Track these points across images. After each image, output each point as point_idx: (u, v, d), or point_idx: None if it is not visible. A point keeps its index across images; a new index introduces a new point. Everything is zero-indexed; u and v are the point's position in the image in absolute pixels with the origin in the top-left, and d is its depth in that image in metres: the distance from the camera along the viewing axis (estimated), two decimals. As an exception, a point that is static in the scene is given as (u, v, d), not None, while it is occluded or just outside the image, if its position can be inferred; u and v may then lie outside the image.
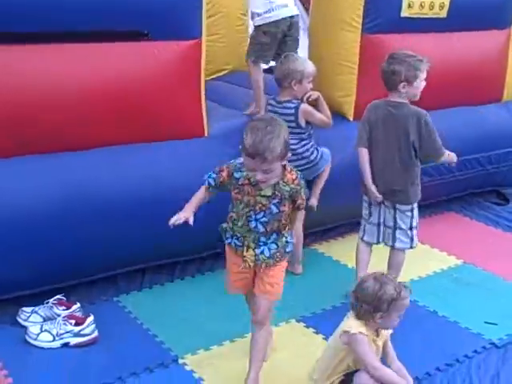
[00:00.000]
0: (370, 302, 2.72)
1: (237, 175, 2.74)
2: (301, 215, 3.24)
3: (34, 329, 3.27)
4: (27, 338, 3.24)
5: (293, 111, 3.79)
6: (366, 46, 4.25)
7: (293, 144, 3.79)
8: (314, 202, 3.96)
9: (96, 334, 3.30)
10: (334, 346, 2.83)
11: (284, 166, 2.69)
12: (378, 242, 3.76)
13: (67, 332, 3.25)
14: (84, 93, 3.48)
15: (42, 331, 3.25)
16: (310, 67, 3.83)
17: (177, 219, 2.74)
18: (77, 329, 3.26)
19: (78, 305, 3.47)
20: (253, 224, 2.76)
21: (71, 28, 3.39)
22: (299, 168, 3.84)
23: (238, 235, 2.82)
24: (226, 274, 2.98)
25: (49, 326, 3.27)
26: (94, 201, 3.50)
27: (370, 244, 3.78)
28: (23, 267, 3.40)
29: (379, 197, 3.61)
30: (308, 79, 3.82)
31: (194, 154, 3.84)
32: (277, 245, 2.81)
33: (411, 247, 3.70)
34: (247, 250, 2.81)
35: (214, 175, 2.82)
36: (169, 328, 3.42)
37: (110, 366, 3.08)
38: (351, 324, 2.75)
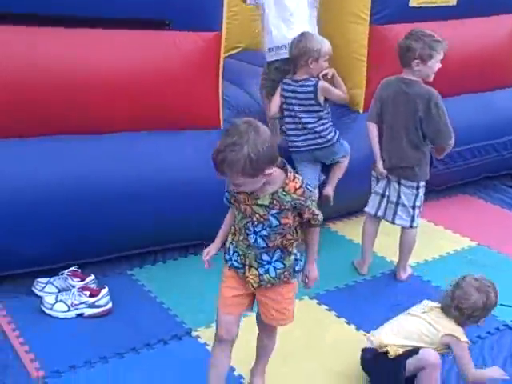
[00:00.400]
0: (480, 314, 2.84)
1: None
2: (316, 234, 2.58)
3: (49, 299, 3.29)
4: (42, 307, 3.27)
5: (311, 89, 3.78)
6: (374, 38, 4.18)
7: (311, 123, 3.82)
8: (329, 191, 3.96)
9: (110, 305, 3.33)
10: (427, 338, 2.81)
11: (286, 172, 2.39)
12: (376, 215, 3.75)
13: (82, 303, 3.28)
14: (103, 78, 3.48)
15: (57, 301, 3.28)
16: (326, 46, 3.82)
17: (205, 260, 2.59)
18: (91, 300, 3.29)
19: (93, 277, 3.49)
20: (252, 238, 2.44)
21: (95, 14, 3.38)
22: (316, 147, 3.87)
23: (240, 252, 2.51)
24: (220, 289, 2.62)
25: (64, 296, 3.29)
26: (109, 185, 3.52)
27: (373, 217, 3.78)
28: (39, 244, 3.41)
29: (383, 172, 3.62)
30: (324, 58, 3.81)
31: (209, 146, 3.82)
32: (283, 264, 2.50)
33: (411, 226, 3.69)
34: (249, 270, 2.50)
35: (226, 189, 2.53)
36: (182, 301, 3.44)
37: (124, 337, 3.11)
38: (455, 329, 2.82)
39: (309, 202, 2.40)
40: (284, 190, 2.36)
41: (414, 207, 3.65)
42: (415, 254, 3.83)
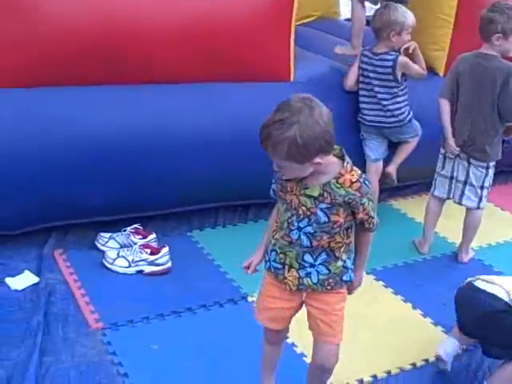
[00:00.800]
0: None
1: None
2: (369, 240, 2.29)
3: (111, 253, 3.37)
4: (104, 261, 3.35)
5: (391, 63, 3.69)
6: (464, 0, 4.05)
7: (386, 99, 3.76)
8: (391, 169, 3.89)
9: (169, 264, 3.38)
10: None
11: (343, 161, 2.11)
12: (448, 197, 3.68)
13: (142, 260, 3.34)
14: (174, 27, 3.47)
15: (118, 256, 3.34)
16: (410, 19, 3.70)
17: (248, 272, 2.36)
18: (152, 258, 3.34)
19: (154, 235, 3.55)
20: (295, 234, 2.15)
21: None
22: (386, 125, 3.81)
23: (278, 251, 2.23)
24: (259, 297, 2.41)
25: (125, 252, 3.36)
26: (175, 135, 3.53)
27: (440, 199, 3.71)
28: (101, 194, 3.47)
29: (456, 150, 3.52)
30: (407, 31, 3.70)
31: (278, 98, 3.79)
32: (328, 269, 2.20)
33: (478, 207, 3.60)
34: (289, 271, 2.22)
35: (274, 178, 2.24)
36: (240, 267, 3.45)
37: (181, 297, 3.16)
38: None
39: (365, 200, 2.10)
40: (338, 182, 2.08)
41: (482, 187, 3.56)
42: (478, 238, 3.75)
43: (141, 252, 3.35)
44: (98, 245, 3.51)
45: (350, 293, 2.37)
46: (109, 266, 3.33)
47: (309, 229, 2.13)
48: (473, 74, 3.44)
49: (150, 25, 3.42)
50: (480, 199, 3.59)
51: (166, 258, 3.37)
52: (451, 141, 3.52)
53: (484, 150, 3.49)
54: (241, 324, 3.00)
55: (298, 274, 2.21)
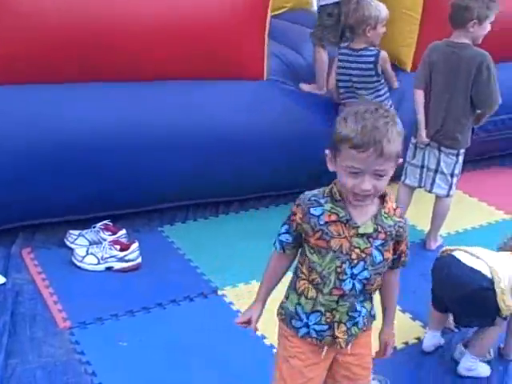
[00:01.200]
0: None
1: (315, 211, 1.87)
2: (398, 277, 2.11)
3: (80, 251, 3.35)
4: (73, 259, 3.32)
5: (372, 59, 3.70)
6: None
7: (366, 95, 3.74)
8: None
9: (139, 260, 3.37)
10: None
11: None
12: (420, 186, 3.72)
13: (112, 256, 3.32)
14: (151, 25, 3.47)
15: (87, 254, 3.33)
16: (383, 11, 3.70)
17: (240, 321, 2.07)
18: (121, 254, 3.33)
19: (124, 231, 3.53)
20: (348, 284, 1.89)
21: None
22: None
23: (323, 310, 1.94)
24: (287, 372, 2.03)
25: (94, 249, 3.34)
26: (149, 134, 3.51)
27: (410, 188, 3.75)
28: (72, 192, 3.45)
29: (426, 140, 3.55)
30: (382, 24, 3.71)
31: (250, 96, 3.81)
32: (365, 308, 2.01)
33: (448, 195, 3.64)
34: (338, 328, 1.95)
35: (286, 227, 1.97)
36: (210, 260, 3.46)
37: (151, 292, 3.16)
38: None
39: (407, 229, 1.94)
40: (384, 212, 1.86)
41: (452, 175, 3.60)
42: (447, 225, 3.79)
43: (110, 248, 3.34)
44: (67, 242, 3.48)
45: (382, 356, 2.18)
46: (78, 263, 3.31)
47: (365, 274, 1.89)
48: (447, 62, 3.45)
49: (124, 21, 3.40)
50: (450, 187, 3.62)
51: (136, 253, 3.36)
52: (423, 132, 3.54)
53: (455, 138, 3.52)
54: (211, 318, 3.01)
55: (346, 326, 1.97)
